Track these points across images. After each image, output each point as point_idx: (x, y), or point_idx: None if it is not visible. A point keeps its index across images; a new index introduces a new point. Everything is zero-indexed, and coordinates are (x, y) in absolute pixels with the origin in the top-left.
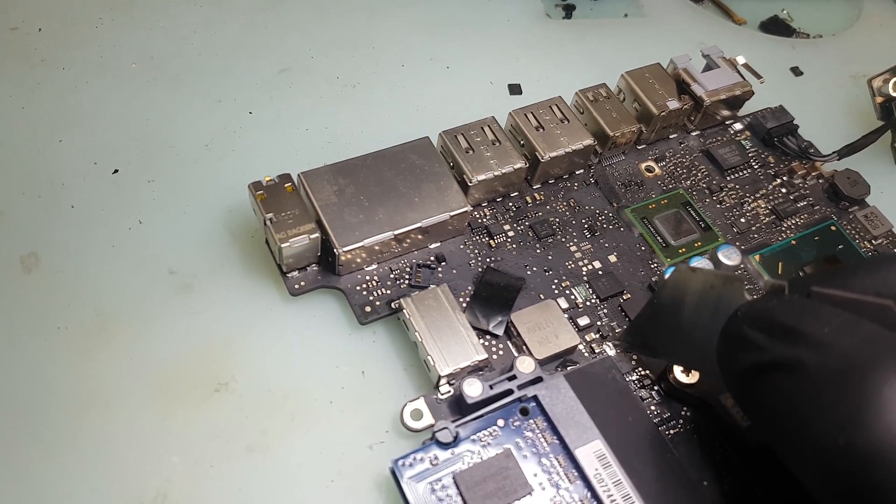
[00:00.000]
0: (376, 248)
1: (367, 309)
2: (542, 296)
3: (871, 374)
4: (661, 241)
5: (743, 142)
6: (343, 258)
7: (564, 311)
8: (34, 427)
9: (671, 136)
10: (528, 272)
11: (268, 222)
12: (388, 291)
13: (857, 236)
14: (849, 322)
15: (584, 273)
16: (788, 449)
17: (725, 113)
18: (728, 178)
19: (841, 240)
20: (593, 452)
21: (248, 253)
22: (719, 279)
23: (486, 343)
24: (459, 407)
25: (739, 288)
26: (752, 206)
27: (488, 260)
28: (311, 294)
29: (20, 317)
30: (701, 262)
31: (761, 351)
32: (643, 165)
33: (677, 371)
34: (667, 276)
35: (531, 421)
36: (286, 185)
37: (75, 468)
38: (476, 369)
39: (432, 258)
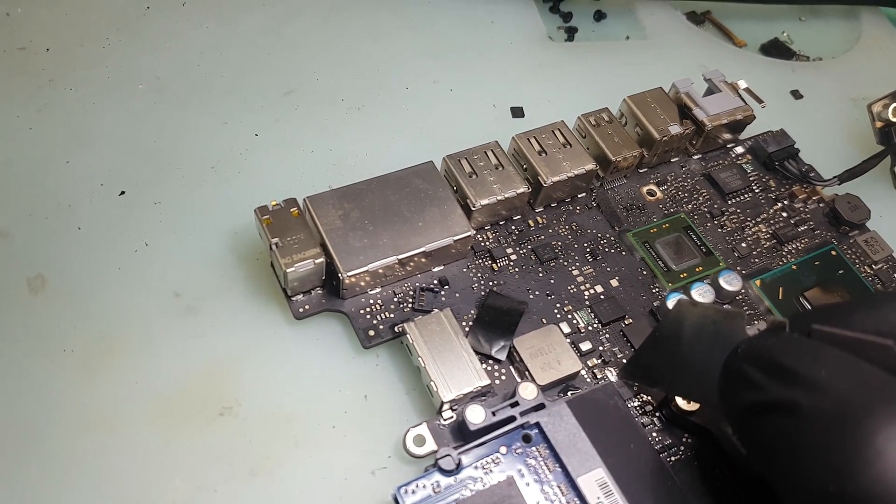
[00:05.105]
0: (380, 272)
1: (371, 333)
2: (544, 320)
3: (863, 420)
4: (662, 265)
5: (744, 165)
6: (347, 282)
7: (566, 335)
8: (38, 449)
9: (673, 160)
10: (531, 296)
11: (273, 247)
12: (392, 315)
13: (857, 261)
14: (845, 364)
15: (586, 297)
16: (783, 488)
17: (727, 137)
18: (729, 203)
19: (841, 265)
20: (595, 480)
21: (253, 276)
22: (720, 314)
23: (489, 368)
24: (462, 433)
25: (740, 323)
26: (753, 230)
27: (491, 284)
28: (316, 317)
29: (26, 338)
30: (702, 288)
31: (760, 391)
32: (645, 189)
33: (679, 398)
34: (668, 301)
35: (534, 448)
36: (292, 209)
37: (79, 491)
38: (479, 395)
39: (435, 282)
